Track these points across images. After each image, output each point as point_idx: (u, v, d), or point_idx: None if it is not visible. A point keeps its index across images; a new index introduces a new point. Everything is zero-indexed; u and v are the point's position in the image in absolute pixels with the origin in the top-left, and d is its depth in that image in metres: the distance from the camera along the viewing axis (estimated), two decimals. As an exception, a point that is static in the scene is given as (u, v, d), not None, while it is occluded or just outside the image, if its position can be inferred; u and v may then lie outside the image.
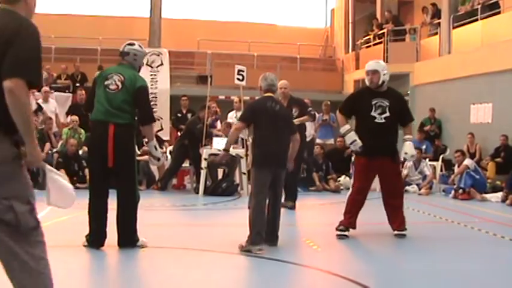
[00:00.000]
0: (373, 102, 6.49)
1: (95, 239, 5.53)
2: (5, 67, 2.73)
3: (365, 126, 6.48)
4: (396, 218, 6.62)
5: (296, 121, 7.57)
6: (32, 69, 2.79)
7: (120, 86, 5.48)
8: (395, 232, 6.59)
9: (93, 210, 5.59)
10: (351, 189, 6.73)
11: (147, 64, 15.42)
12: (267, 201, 5.77)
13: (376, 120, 6.45)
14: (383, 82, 6.56)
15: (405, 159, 6.57)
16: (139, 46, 5.81)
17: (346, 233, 6.47)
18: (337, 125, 6.47)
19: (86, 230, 5.60)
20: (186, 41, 21.11)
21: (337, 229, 6.50)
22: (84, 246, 5.55)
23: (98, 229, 5.54)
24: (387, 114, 6.47)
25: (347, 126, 6.51)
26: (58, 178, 3.03)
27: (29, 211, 2.83)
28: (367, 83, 6.66)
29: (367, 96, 6.59)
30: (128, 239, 5.57)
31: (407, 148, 6.66)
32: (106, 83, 5.52)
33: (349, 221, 6.54)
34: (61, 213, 7.63)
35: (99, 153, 5.50)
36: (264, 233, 5.55)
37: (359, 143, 6.37)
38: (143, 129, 5.88)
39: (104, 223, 5.55)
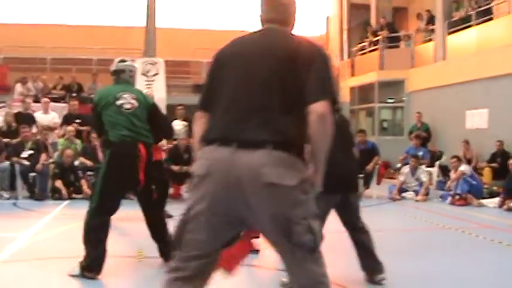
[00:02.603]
0: None
1: (97, 265, 4.90)
2: (311, 89, 2.50)
3: None
4: None
5: None
6: (334, 90, 2.61)
7: (135, 104, 5.13)
8: None
9: (99, 232, 4.91)
10: None
11: (142, 73, 15.44)
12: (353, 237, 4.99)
13: None
14: None
15: None
16: (131, 61, 5.56)
17: None
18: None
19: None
20: (182, 50, 21.14)
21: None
22: (72, 276, 4.89)
23: (101, 255, 4.93)
24: None
25: None
26: None
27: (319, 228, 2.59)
28: None
29: None
30: (170, 249, 5.37)
31: None
32: (118, 103, 5.08)
33: None
34: (56, 225, 7.63)
35: (126, 173, 5.00)
36: None
37: None
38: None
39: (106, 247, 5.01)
